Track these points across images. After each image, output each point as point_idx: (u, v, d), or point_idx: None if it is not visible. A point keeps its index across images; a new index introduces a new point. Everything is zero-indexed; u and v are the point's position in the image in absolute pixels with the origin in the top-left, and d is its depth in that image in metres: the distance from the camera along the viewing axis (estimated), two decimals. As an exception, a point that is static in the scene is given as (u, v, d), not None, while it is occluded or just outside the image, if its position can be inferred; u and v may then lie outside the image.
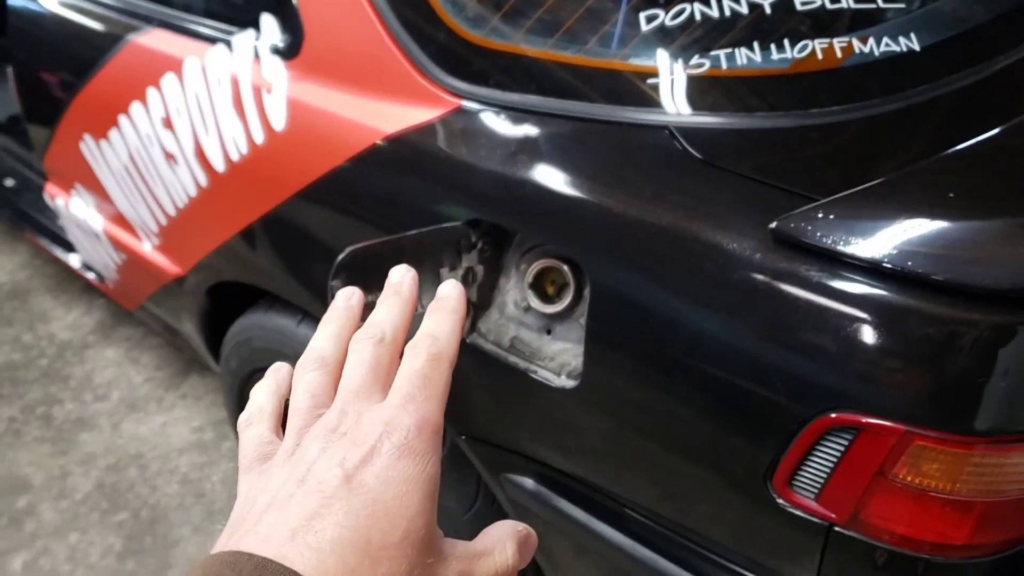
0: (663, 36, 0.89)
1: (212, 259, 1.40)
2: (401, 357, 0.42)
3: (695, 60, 0.87)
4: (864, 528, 0.76)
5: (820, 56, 0.87)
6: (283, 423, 0.43)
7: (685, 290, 0.79)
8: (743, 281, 0.74)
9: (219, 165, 1.24)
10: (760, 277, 0.73)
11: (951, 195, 0.77)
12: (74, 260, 2.07)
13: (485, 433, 1.04)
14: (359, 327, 0.44)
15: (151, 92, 1.31)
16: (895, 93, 0.87)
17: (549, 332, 0.92)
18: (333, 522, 0.35)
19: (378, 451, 0.37)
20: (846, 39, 0.88)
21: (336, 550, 0.34)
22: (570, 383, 0.89)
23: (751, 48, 0.87)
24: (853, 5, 0.90)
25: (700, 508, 0.88)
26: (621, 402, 0.88)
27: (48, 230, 2.17)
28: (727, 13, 0.88)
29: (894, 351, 0.69)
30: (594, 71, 0.90)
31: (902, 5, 0.93)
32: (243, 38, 1.17)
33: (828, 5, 0.90)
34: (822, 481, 0.75)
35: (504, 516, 1.19)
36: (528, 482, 1.02)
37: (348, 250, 0.76)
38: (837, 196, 0.74)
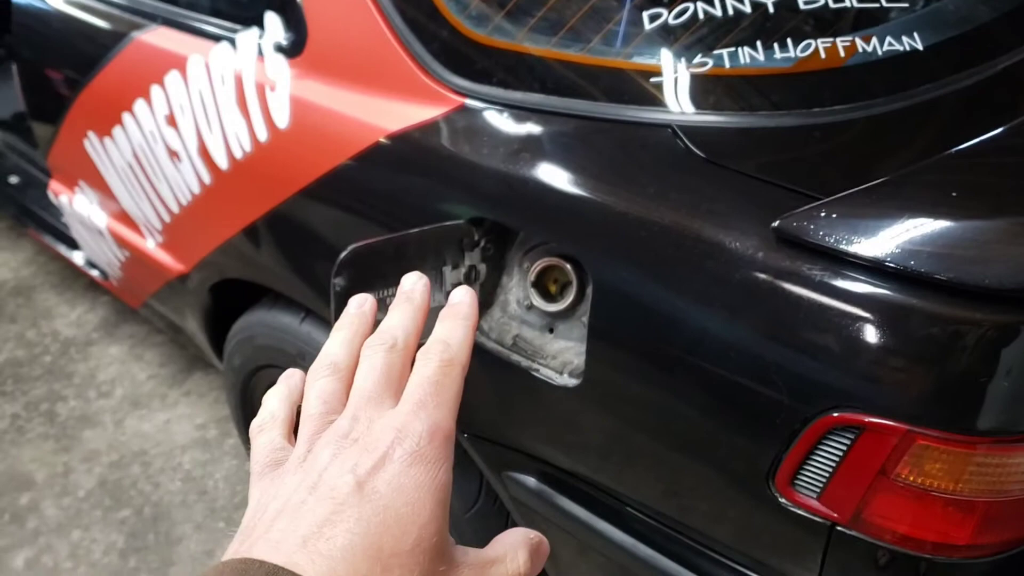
0: (666, 35, 0.89)
1: (215, 256, 1.41)
2: (413, 364, 0.42)
3: (698, 59, 0.87)
4: (866, 528, 0.76)
5: (823, 55, 0.87)
6: (295, 429, 0.43)
7: (687, 289, 0.79)
8: (746, 280, 0.74)
9: (222, 163, 1.24)
10: (763, 276, 0.73)
11: (954, 194, 0.77)
12: (78, 257, 2.07)
13: (487, 431, 1.05)
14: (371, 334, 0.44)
15: (155, 89, 1.31)
16: (898, 92, 0.87)
17: (551, 330, 0.92)
18: (344, 529, 0.35)
19: (390, 457, 0.37)
20: (849, 38, 0.88)
21: (347, 557, 0.34)
22: (572, 381, 0.89)
23: (754, 47, 0.87)
24: (856, 4, 0.90)
25: (702, 507, 0.88)
26: (623, 401, 0.88)
27: (52, 227, 2.18)
28: (730, 12, 0.88)
29: (897, 350, 0.69)
30: (597, 69, 0.90)
31: (905, 4, 0.93)
32: (247, 36, 1.17)
33: (831, 4, 0.90)
34: (824, 480, 0.75)
35: (506, 514, 1.19)
36: (530, 480, 1.02)
37: (350, 248, 0.76)
38: (840, 195, 0.74)
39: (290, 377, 0.47)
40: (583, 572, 1.08)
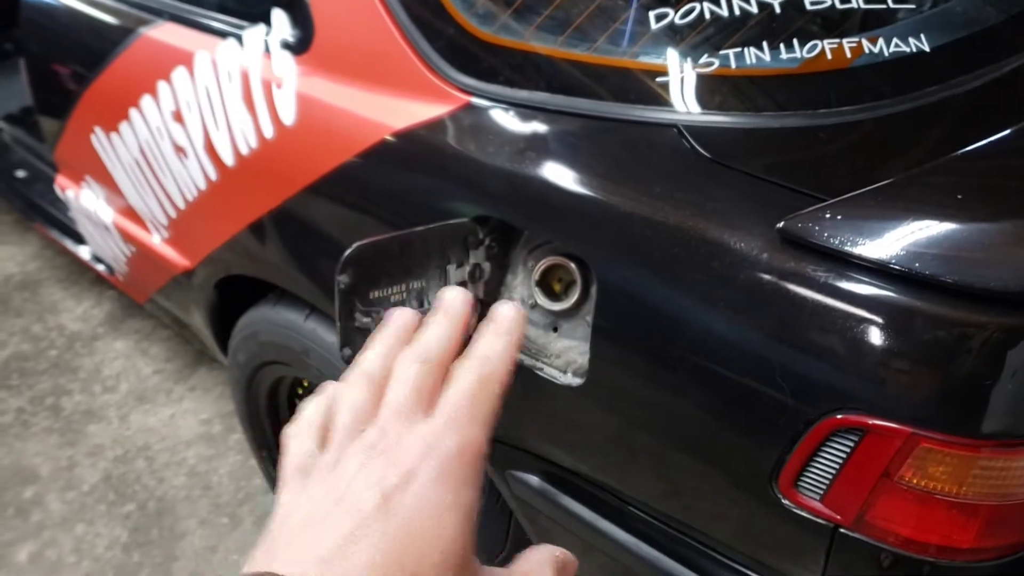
0: (673, 34, 0.88)
1: (221, 252, 1.41)
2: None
3: (704, 59, 0.87)
4: (869, 530, 0.75)
5: (830, 56, 0.87)
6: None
7: (692, 289, 0.78)
8: (750, 280, 0.74)
9: (228, 159, 1.24)
10: (767, 277, 0.73)
11: (960, 196, 0.77)
12: (84, 252, 2.08)
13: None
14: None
15: (162, 85, 1.31)
16: (904, 94, 0.87)
17: (555, 329, 0.92)
18: (368, 544, 0.34)
19: (416, 473, 0.36)
20: (856, 39, 0.88)
21: (369, 574, 0.33)
22: (576, 381, 0.89)
23: (760, 47, 0.87)
24: (863, 5, 0.90)
25: (705, 507, 0.88)
26: (626, 400, 0.88)
27: (58, 222, 2.19)
28: (737, 12, 0.88)
29: (901, 352, 0.69)
30: (603, 69, 0.90)
31: (912, 6, 0.93)
32: (254, 33, 1.17)
33: (838, 5, 0.89)
34: (827, 482, 0.75)
35: (509, 513, 1.19)
36: (533, 479, 1.02)
37: (356, 245, 0.76)
38: (845, 196, 0.74)
39: (327, 387, 0.46)
40: (585, 571, 1.08)
